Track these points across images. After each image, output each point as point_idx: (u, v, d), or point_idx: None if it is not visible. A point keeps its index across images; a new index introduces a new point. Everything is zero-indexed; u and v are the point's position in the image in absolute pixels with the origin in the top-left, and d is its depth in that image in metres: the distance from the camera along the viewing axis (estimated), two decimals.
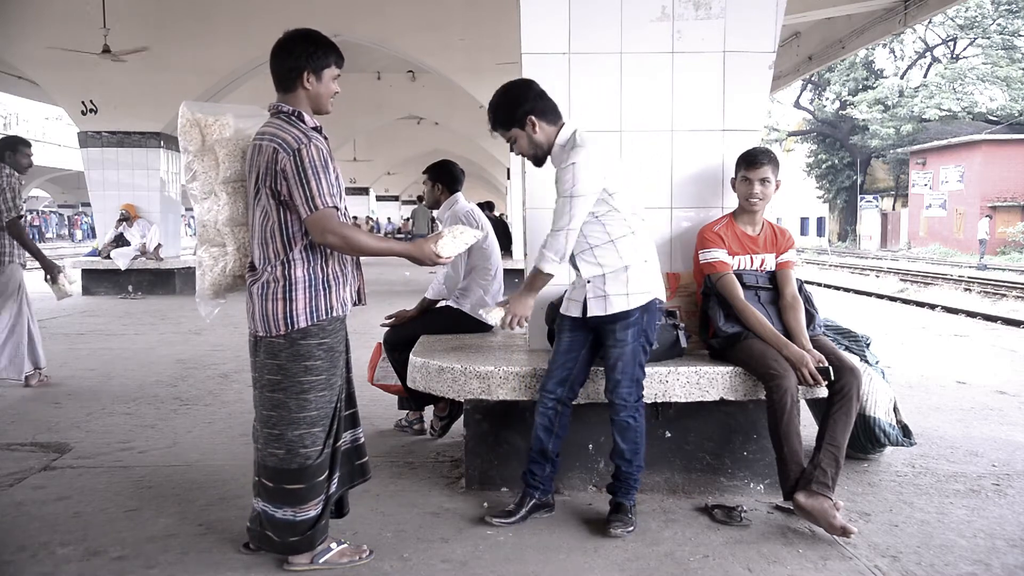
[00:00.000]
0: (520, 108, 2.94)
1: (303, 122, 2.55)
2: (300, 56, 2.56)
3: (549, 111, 2.97)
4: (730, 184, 3.43)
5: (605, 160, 2.89)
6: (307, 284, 2.54)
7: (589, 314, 2.96)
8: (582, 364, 3.06)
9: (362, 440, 2.83)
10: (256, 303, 2.57)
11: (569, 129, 2.98)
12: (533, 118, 2.94)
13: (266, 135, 2.52)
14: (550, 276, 2.93)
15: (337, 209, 2.50)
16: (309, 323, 2.54)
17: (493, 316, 3.02)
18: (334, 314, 2.59)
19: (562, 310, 3.11)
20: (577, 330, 3.03)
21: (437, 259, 2.65)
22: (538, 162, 3.07)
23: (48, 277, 5.37)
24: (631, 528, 2.92)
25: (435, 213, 4.48)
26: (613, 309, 2.92)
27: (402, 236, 31.82)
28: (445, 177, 4.29)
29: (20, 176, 5.32)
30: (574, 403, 3.11)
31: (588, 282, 2.97)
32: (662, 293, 3.03)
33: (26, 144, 5.52)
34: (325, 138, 2.57)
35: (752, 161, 3.28)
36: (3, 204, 5.13)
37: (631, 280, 2.92)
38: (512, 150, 3.09)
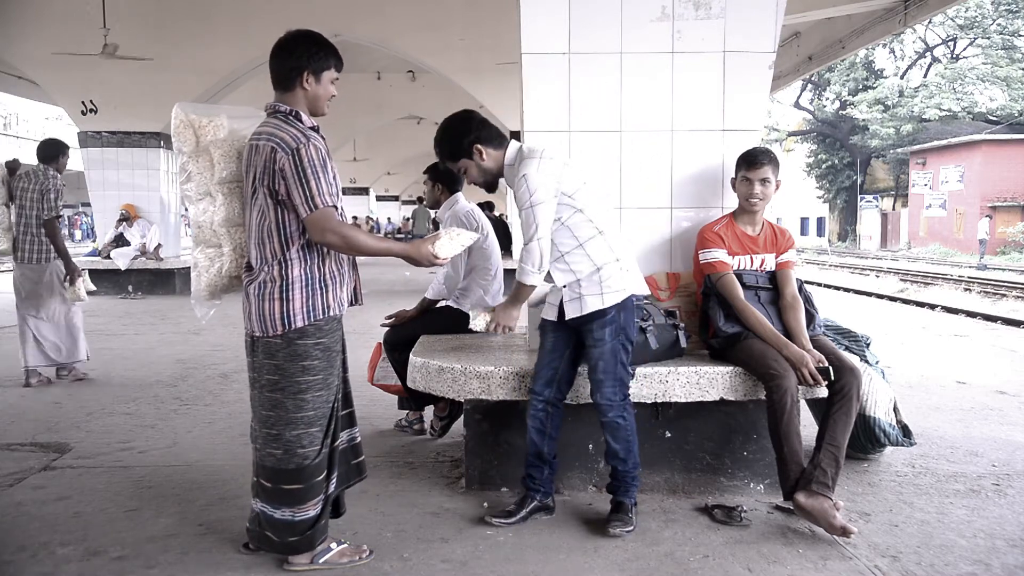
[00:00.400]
0: (465, 139, 3.02)
1: (300, 121, 2.55)
2: (301, 56, 2.56)
3: (493, 137, 3.05)
4: (730, 184, 3.43)
5: (555, 164, 2.92)
6: (304, 284, 2.54)
7: (566, 317, 2.98)
8: (567, 364, 3.07)
9: (358, 439, 2.83)
10: (253, 303, 2.57)
11: (513, 147, 3.05)
12: (479, 146, 3.01)
13: (263, 134, 2.52)
14: (533, 287, 2.97)
15: (336, 208, 2.51)
16: (306, 323, 2.54)
17: (479, 322, 3.11)
18: (331, 314, 2.59)
19: (542, 315, 3.13)
20: (559, 331, 3.05)
21: (434, 260, 2.65)
22: (490, 188, 3.14)
23: (67, 279, 5.49)
24: (630, 528, 2.91)
25: (435, 213, 4.48)
26: (588, 309, 2.93)
27: (402, 236, 31.81)
28: (445, 177, 4.28)
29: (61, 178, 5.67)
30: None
31: (564, 287, 2.99)
32: (640, 288, 3.05)
33: (68, 147, 5.89)
34: (322, 137, 2.57)
35: (752, 161, 3.28)
36: (46, 204, 5.43)
37: (604, 280, 2.94)
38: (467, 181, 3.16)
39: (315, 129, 2.57)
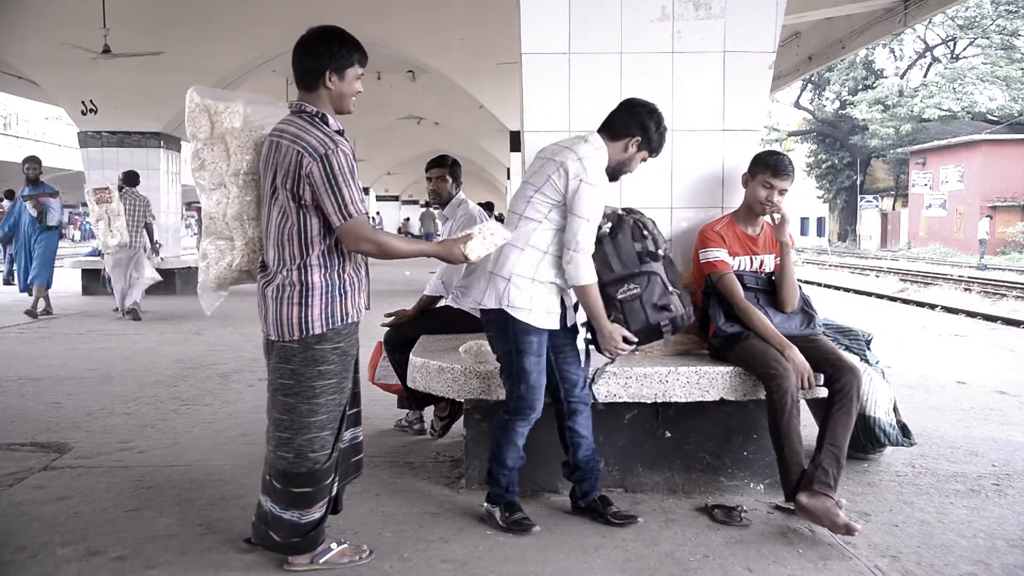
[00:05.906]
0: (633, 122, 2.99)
1: (327, 124, 2.50)
2: (323, 55, 2.51)
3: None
4: (741, 181, 3.38)
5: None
6: (324, 290, 2.50)
7: (568, 322, 3.04)
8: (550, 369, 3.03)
9: (360, 438, 2.82)
10: (270, 306, 2.53)
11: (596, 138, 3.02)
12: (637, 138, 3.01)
13: (287, 135, 2.47)
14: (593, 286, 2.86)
15: (367, 215, 2.49)
16: (325, 329, 2.51)
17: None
18: (350, 320, 2.56)
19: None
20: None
21: (465, 260, 2.63)
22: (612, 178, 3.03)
23: (154, 249, 9.52)
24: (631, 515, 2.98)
25: (436, 213, 4.46)
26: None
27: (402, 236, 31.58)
28: (459, 171, 4.30)
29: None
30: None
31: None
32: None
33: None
34: (347, 141, 2.52)
35: (780, 171, 3.23)
36: (149, 214, 9.28)
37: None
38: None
39: (340, 133, 2.52)
